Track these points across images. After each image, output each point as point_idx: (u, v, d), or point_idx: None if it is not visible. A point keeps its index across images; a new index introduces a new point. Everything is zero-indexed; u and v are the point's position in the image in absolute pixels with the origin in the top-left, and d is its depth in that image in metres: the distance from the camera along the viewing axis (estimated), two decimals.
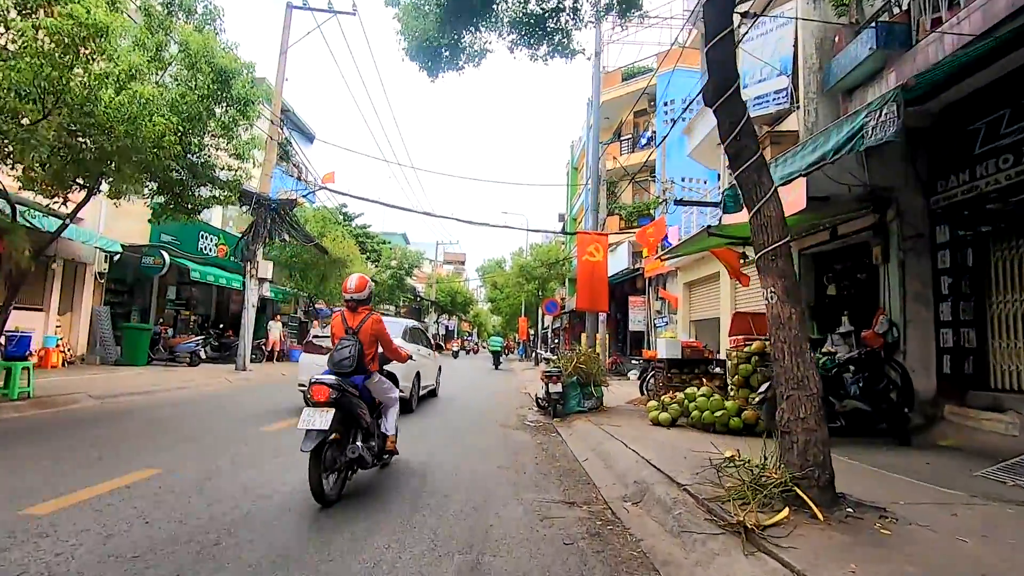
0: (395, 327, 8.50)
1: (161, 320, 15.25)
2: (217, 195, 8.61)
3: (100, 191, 7.73)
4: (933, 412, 6.38)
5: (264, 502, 3.75)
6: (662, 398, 7.77)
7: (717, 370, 9.72)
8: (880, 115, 3.68)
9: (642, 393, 10.76)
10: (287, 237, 16.11)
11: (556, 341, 30.60)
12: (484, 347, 47.92)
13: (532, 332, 47.57)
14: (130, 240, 14.21)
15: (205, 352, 16.56)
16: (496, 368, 22.83)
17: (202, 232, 16.25)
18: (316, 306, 21.99)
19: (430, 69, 6.10)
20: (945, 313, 6.44)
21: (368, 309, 4.55)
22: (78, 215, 8.13)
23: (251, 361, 17.44)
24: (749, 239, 7.91)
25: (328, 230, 20.34)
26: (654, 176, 25.11)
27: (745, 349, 7.32)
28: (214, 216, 17.58)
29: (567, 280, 33.06)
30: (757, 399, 6.36)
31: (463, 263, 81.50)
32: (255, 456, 5.11)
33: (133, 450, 5.11)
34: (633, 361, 20.08)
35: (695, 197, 20.61)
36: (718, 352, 10.82)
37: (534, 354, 22.23)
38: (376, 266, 30.53)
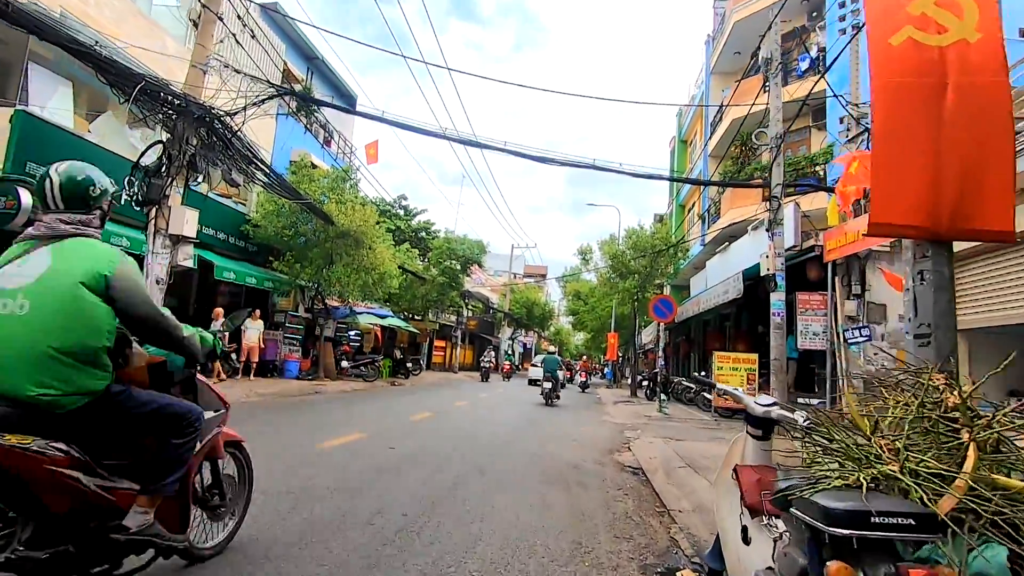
0: None
1: None
2: None
3: None
4: None
5: None
6: None
7: None
8: None
9: None
10: (239, 178, 10.02)
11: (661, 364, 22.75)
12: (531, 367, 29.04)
13: (620, 354, 39.45)
14: None
15: None
16: (549, 403, 14.54)
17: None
18: (327, 303, 15.92)
19: None
20: None
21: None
22: None
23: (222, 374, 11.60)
24: None
25: (336, 193, 14.29)
26: (816, 122, 16.97)
27: None
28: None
29: (666, 287, 24.90)
30: None
31: (544, 276, 74.74)
32: None
33: None
34: (802, 401, 12.03)
35: None
36: None
37: (659, 392, 14.59)
38: (424, 261, 24.32)
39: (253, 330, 13.27)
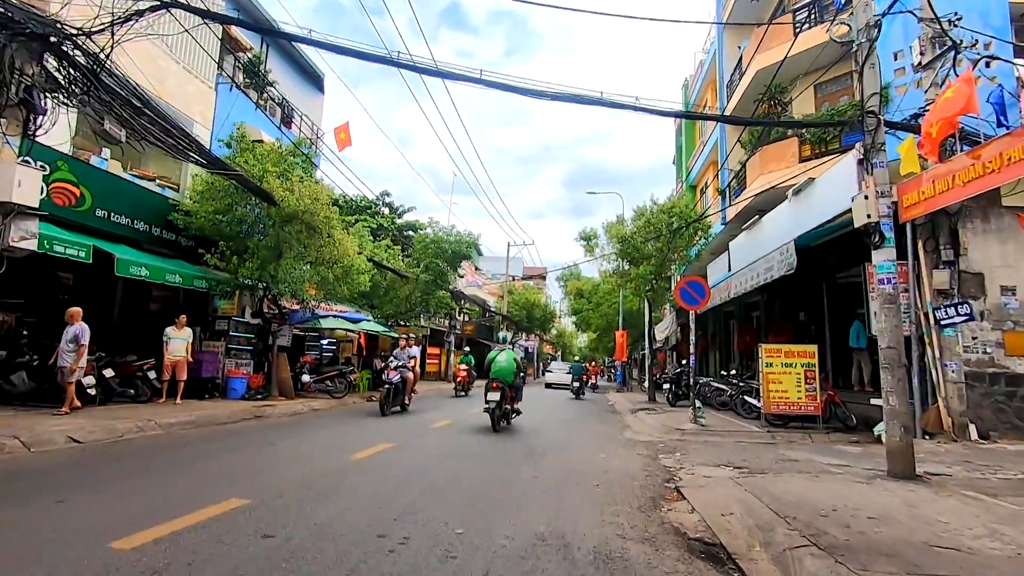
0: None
1: None
2: None
3: None
4: None
5: None
6: None
7: None
8: None
9: None
10: (117, 132, 7.31)
11: (683, 364, 20.11)
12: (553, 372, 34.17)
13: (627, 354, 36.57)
14: None
15: None
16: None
17: None
18: (282, 305, 13.16)
19: None
20: None
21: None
22: None
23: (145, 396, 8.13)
24: None
25: (280, 167, 11.59)
26: (860, 65, 14.26)
27: None
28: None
29: (675, 277, 22.04)
30: None
31: (544, 277, 71.92)
32: None
33: None
34: (874, 403, 9.27)
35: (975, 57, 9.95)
36: None
37: (692, 397, 11.77)
38: (407, 258, 21.54)
39: (178, 340, 10.50)
